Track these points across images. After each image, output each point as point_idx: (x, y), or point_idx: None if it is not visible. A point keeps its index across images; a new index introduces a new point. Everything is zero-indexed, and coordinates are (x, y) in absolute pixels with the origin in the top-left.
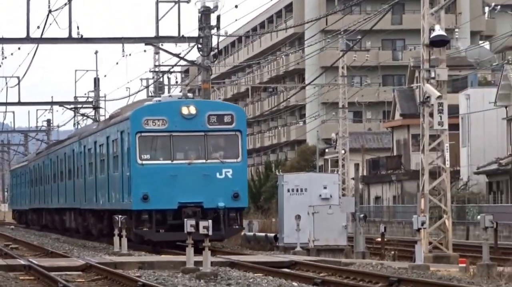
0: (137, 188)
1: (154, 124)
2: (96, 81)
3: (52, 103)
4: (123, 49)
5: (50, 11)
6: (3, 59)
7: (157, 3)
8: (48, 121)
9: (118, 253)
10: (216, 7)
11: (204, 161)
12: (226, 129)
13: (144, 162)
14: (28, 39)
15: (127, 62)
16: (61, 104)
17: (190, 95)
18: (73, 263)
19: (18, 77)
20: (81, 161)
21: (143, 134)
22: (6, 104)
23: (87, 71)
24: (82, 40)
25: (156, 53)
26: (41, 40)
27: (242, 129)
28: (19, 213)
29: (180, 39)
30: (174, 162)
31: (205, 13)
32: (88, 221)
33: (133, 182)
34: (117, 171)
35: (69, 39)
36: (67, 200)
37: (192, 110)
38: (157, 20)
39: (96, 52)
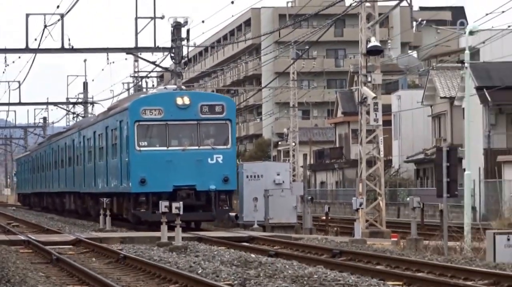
0: (135, 172)
1: (151, 113)
2: (85, 85)
3: (47, 103)
4: (107, 58)
5: (45, 26)
6: (6, 66)
7: (136, 19)
8: (44, 118)
9: (104, 229)
10: (186, 22)
11: (197, 147)
12: (217, 118)
13: (141, 148)
14: (27, 50)
15: (111, 69)
16: (55, 104)
17: (183, 87)
18: (65, 238)
19: (18, 81)
20: (81, 149)
21: (141, 123)
22: (8, 104)
23: (77, 76)
24: (72, 50)
25: (136, 61)
26: (38, 50)
27: (231, 118)
28: (23, 196)
29: (155, 49)
30: (169, 148)
31: (177, 27)
32: (87, 203)
33: (131, 167)
34: (116, 157)
35: (62, 49)
36: (67, 185)
37: (186, 100)
38: (136, 33)
39: (85, 60)
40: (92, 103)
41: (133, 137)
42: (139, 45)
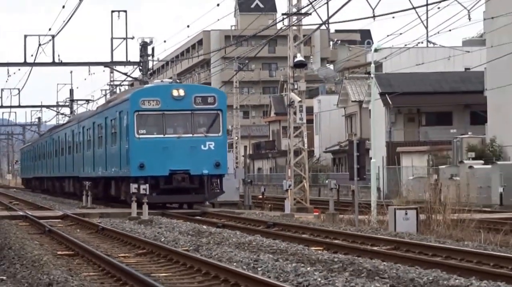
0: (135, 158)
1: (149, 104)
2: (71, 91)
3: (41, 106)
4: (89, 70)
5: (40, 45)
6: (8, 76)
7: (111, 39)
8: (39, 118)
9: (86, 207)
10: (151, 42)
11: (191, 135)
12: (209, 108)
13: (140, 136)
14: (25, 63)
15: (91, 78)
16: (47, 107)
17: (178, 80)
18: (55, 214)
19: (18, 89)
20: (80, 139)
21: (140, 112)
22: (10, 107)
23: (65, 84)
24: (61, 64)
25: (111, 72)
26: (34, 64)
27: (223, 109)
28: (26, 180)
29: (127, 63)
30: (166, 136)
31: (144, 45)
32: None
33: (131, 153)
34: (115, 145)
35: (53, 63)
36: (67, 170)
37: (181, 92)
38: (112, 50)
39: (71, 72)
40: (73, 107)
41: (133, 125)
42: (114, 60)
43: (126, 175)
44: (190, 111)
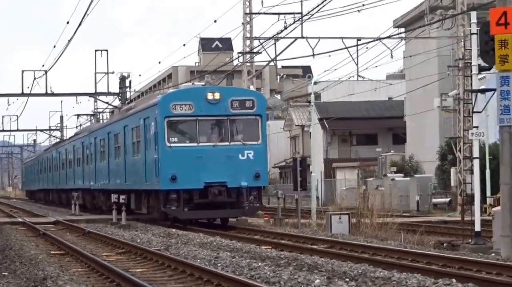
0: (166, 169)
1: (181, 109)
2: (61, 117)
3: (36, 130)
4: (76, 99)
5: (35, 78)
6: (8, 105)
7: (95, 73)
8: (34, 140)
9: (75, 214)
10: (128, 75)
11: (227, 143)
12: (248, 113)
13: (172, 145)
14: (22, 94)
15: (79, 106)
16: (41, 130)
17: (211, 81)
18: (48, 220)
19: (17, 115)
20: (92, 150)
21: (170, 118)
22: (10, 131)
23: (56, 112)
24: (53, 94)
25: (95, 101)
26: (30, 95)
27: (262, 114)
28: (30, 192)
29: (108, 93)
30: (200, 144)
31: (122, 79)
32: (98, 199)
33: (162, 164)
34: (139, 155)
35: (46, 94)
36: (75, 182)
37: (217, 95)
38: (95, 83)
39: (61, 101)
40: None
41: (163, 133)
42: (98, 91)
43: (154, 188)
44: (226, 117)
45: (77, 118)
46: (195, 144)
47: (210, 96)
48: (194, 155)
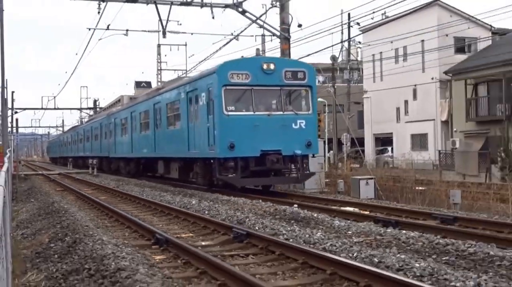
0: (224, 137)
1: (238, 77)
2: (62, 121)
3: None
4: (70, 111)
5: (48, 100)
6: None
7: (80, 98)
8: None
9: (69, 169)
10: (98, 99)
11: (281, 112)
12: (299, 84)
13: (229, 113)
14: (41, 108)
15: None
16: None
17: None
18: (55, 173)
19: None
20: (131, 123)
21: (228, 87)
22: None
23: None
24: (58, 108)
25: (80, 111)
26: (46, 109)
27: (312, 85)
28: (52, 159)
29: (87, 108)
30: (256, 113)
31: (95, 101)
32: (115, 165)
33: (219, 132)
34: (193, 123)
35: (54, 108)
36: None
37: (271, 66)
38: (80, 103)
39: (62, 112)
40: None
41: (221, 101)
42: (83, 107)
43: (213, 156)
44: (279, 87)
45: (80, 112)
46: (251, 113)
47: (265, 66)
48: (250, 124)
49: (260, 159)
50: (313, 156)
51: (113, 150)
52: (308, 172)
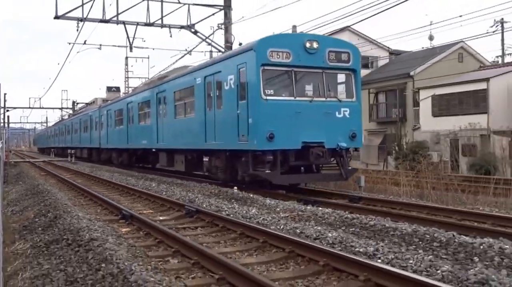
0: (262, 126)
1: (278, 57)
2: (46, 118)
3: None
4: (53, 110)
5: (35, 101)
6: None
7: (61, 100)
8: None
9: (52, 157)
10: (76, 101)
11: (324, 99)
12: (343, 67)
13: (268, 98)
14: (29, 107)
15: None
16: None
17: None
18: (40, 160)
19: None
20: (107, 119)
21: (266, 67)
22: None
23: (42, 123)
24: (43, 108)
25: (61, 111)
26: (33, 108)
27: (357, 68)
28: (42, 149)
29: (66, 108)
30: (297, 99)
31: (74, 102)
32: (106, 155)
33: (258, 119)
34: (213, 112)
35: (40, 108)
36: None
37: (315, 45)
38: (61, 103)
39: (46, 111)
40: None
41: (259, 83)
42: (63, 107)
43: (246, 148)
44: (321, 70)
45: (61, 111)
46: (292, 98)
47: (308, 44)
48: (291, 111)
49: (301, 153)
50: (356, 150)
51: (105, 141)
52: (350, 168)
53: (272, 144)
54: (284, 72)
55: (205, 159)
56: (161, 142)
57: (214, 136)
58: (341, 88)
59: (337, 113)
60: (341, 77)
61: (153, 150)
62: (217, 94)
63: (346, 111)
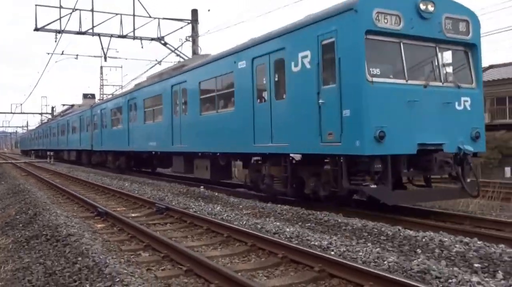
0: (369, 121)
1: (385, 21)
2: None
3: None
4: (34, 115)
5: (16, 107)
6: (11, 118)
7: (41, 105)
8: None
9: (33, 160)
10: (54, 107)
11: (440, 83)
12: (462, 40)
13: (374, 80)
14: (11, 113)
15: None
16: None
17: None
18: (21, 161)
19: (8, 120)
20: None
21: (370, 36)
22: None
23: (23, 127)
24: (23, 113)
25: (41, 115)
26: (14, 113)
27: (477, 44)
28: (25, 151)
29: (46, 113)
30: (409, 82)
31: (52, 108)
32: (101, 158)
33: (361, 111)
34: (268, 103)
35: (21, 113)
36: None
37: (430, 7)
38: (41, 109)
39: (27, 117)
40: None
41: (363, 59)
42: (43, 112)
43: (338, 153)
44: (434, 44)
45: (41, 115)
46: (403, 81)
47: (422, 6)
48: (403, 100)
49: (416, 159)
50: (476, 155)
51: (98, 143)
52: (475, 179)
53: (383, 146)
54: (392, 43)
55: (237, 163)
56: (178, 144)
57: (270, 136)
58: (458, 70)
59: (457, 104)
60: (458, 55)
61: (166, 153)
62: (276, 79)
63: (467, 101)
